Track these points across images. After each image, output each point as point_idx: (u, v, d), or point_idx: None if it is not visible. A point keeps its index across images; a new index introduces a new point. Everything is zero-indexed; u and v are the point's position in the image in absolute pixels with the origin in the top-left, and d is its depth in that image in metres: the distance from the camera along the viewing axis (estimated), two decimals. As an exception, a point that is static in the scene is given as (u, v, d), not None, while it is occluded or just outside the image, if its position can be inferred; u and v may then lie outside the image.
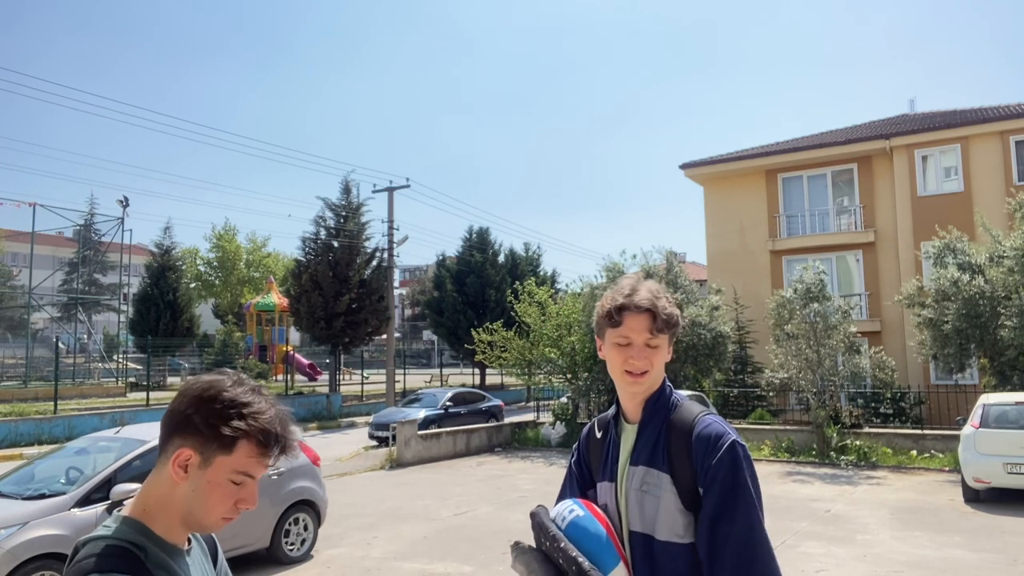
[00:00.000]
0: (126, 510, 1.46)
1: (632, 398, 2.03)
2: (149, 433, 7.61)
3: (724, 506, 1.81)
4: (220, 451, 1.41)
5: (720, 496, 1.82)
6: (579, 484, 2.15)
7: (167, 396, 25.85)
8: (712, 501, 1.83)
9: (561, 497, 2.15)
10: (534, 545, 1.97)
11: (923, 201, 21.95)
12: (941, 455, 15.20)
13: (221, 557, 1.67)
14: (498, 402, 23.86)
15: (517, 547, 1.98)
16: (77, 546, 1.42)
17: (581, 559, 1.83)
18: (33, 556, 6.28)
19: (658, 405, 2.00)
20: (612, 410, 2.13)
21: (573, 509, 1.96)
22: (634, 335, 1.96)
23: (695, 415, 1.95)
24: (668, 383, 2.05)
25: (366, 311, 30.54)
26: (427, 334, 68.95)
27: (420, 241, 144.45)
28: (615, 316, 1.99)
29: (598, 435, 2.13)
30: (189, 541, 1.53)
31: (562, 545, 1.86)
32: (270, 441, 1.44)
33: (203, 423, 1.41)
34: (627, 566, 1.89)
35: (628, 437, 2.03)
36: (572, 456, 2.22)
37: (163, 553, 1.41)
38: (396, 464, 16.24)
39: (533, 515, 2.02)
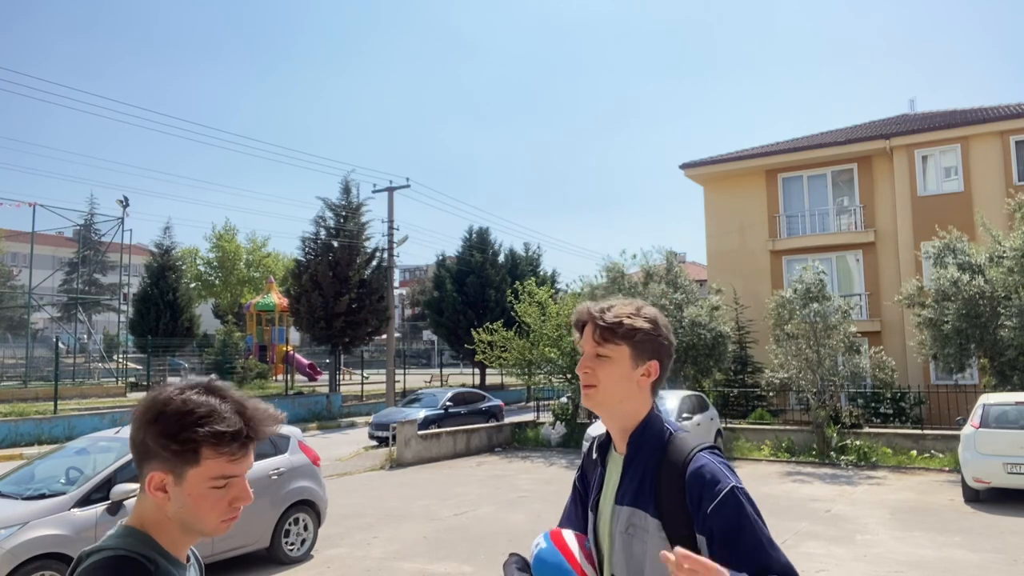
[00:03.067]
0: (128, 520, 1.44)
1: (605, 420, 1.95)
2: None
3: (734, 559, 1.65)
4: (187, 465, 1.36)
5: (726, 548, 1.66)
6: (581, 502, 2.07)
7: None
8: (719, 554, 1.67)
9: (564, 513, 2.11)
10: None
11: (923, 201, 21.95)
12: (941, 455, 15.21)
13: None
14: (498, 402, 23.85)
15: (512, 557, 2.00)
16: (81, 556, 1.38)
17: None
18: (33, 556, 6.29)
19: (644, 439, 1.86)
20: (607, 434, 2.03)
21: (539, 542, 1.92)
22: (585, 344, 1.93)
23: (689, 451, 1.78)
24: (658, 414, 1.91)
25: (366, 311, 30.52)
26: (427, 334, 68.91)
27: (420, 241, 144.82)
28: (575, 329, 2.00)
29: (594, 456, 2.04)
30: (188, 559, 1.51)
31: None
32: (229, 439, 1.37)
33: (156, 445, 1.36)
34: None
35: (614, 470, 1.92)
36: (577, 472, 2.14)
37: (170, 566, 1.40)
38: (396, 464, 16.25)
39: (504, 565, 1.99)
